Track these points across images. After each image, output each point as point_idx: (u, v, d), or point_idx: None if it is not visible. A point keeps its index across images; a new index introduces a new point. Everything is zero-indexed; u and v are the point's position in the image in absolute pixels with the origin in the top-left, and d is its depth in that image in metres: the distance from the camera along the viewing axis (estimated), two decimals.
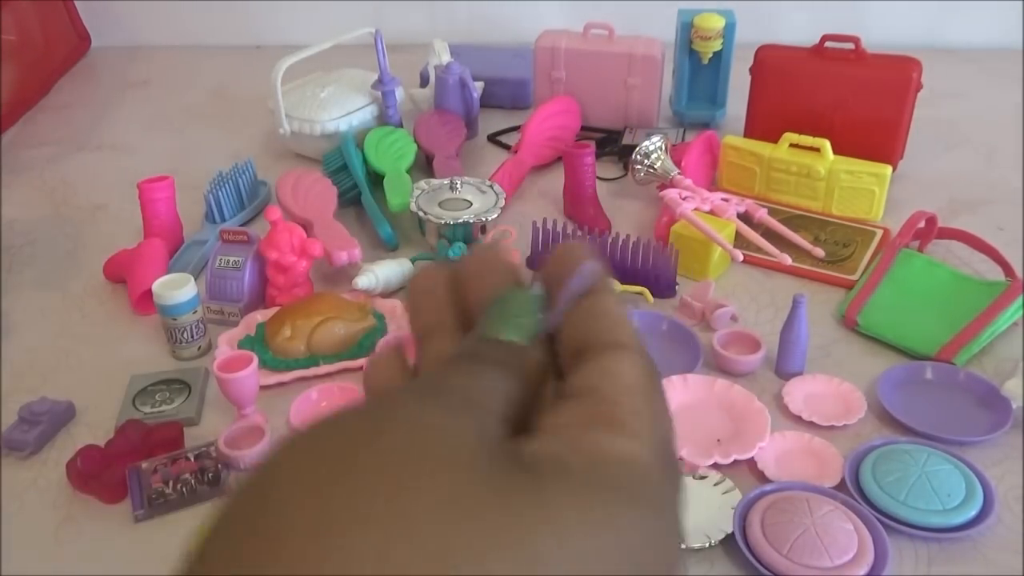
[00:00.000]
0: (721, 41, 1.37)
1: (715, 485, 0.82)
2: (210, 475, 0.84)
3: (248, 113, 1.55)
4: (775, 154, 1.22)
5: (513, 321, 0.30)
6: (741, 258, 1.07)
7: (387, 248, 1.18)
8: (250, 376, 0.87)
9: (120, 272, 1.12)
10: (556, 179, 1.28)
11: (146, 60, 1.82)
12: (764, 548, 0.74)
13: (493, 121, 1.49)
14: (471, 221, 1.13)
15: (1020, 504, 0.80)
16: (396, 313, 1.04)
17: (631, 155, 1.24)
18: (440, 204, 1.16)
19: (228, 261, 1.06)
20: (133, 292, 1.06)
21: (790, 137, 1.21)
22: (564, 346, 0.31)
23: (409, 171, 1.25)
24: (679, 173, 1.21)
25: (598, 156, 1.27)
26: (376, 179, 1.25)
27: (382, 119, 1.36)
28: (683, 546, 0.24)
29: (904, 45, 1.39)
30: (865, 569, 0.72)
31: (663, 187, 1.21)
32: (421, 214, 1.14)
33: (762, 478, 0.83)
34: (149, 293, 0.99)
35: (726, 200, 1.16)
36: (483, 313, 0.31)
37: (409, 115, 1.40)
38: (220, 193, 1.22)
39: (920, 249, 1.13)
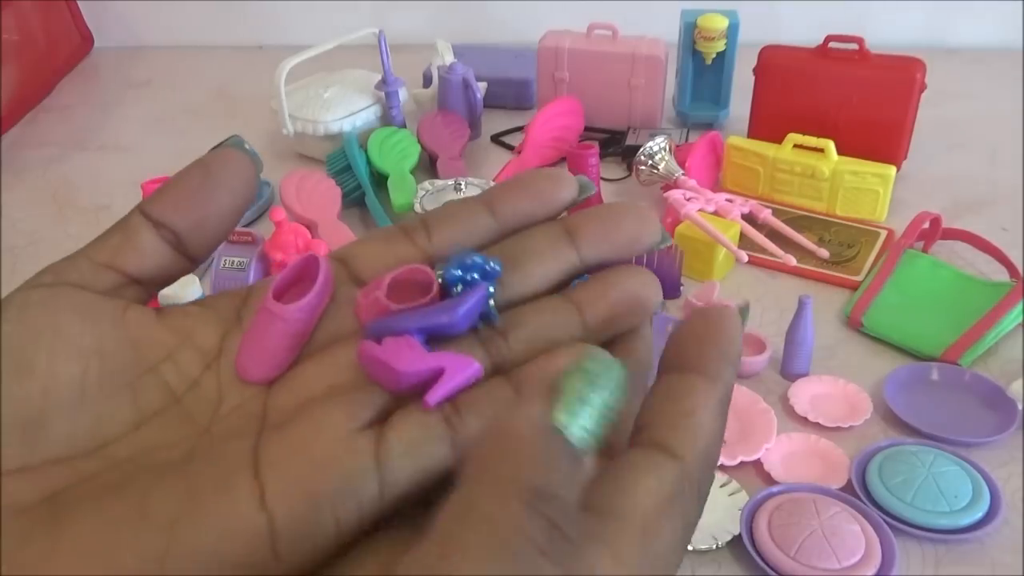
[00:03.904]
0: (724, 41, 1.37)
1: (721, 487, 0.82)
2: None
3: (251, 114, 1.55)
4: (779, 155, 1.22)
5: (588, 411, 0.20)
6: (746, 259, 1.07)
7: None
8: None
9: None
10: None
11: (148, 61, 1.82)
12: (771, 550, 0.74)
13: (497, 122, 1.48)
14: None
15: None
16: None
17: (635, 156, 1.24)
18: (444, 205, 1.16)
19: (233, 262, 1.06)
20: None
21: (794, 138, 1.21)
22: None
23: (413, 172, 1.25)
24: (683, 174, 1.21)
25: (602, 157, 1.27)
26: (380, 180, 1.24)
27: (385, 120, 1.36)
28: None
29: (908, 45, 1.39)
30: (873, 570, 0.72)
31: (667, 188, 1.20)
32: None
33: (768, 479, 0.83)
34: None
35: (730, 201, 1.16)
36: (558, 379, 0.21)
37: (412, 116, 1.40)
38: None
39: (924, 250, 1.13)
